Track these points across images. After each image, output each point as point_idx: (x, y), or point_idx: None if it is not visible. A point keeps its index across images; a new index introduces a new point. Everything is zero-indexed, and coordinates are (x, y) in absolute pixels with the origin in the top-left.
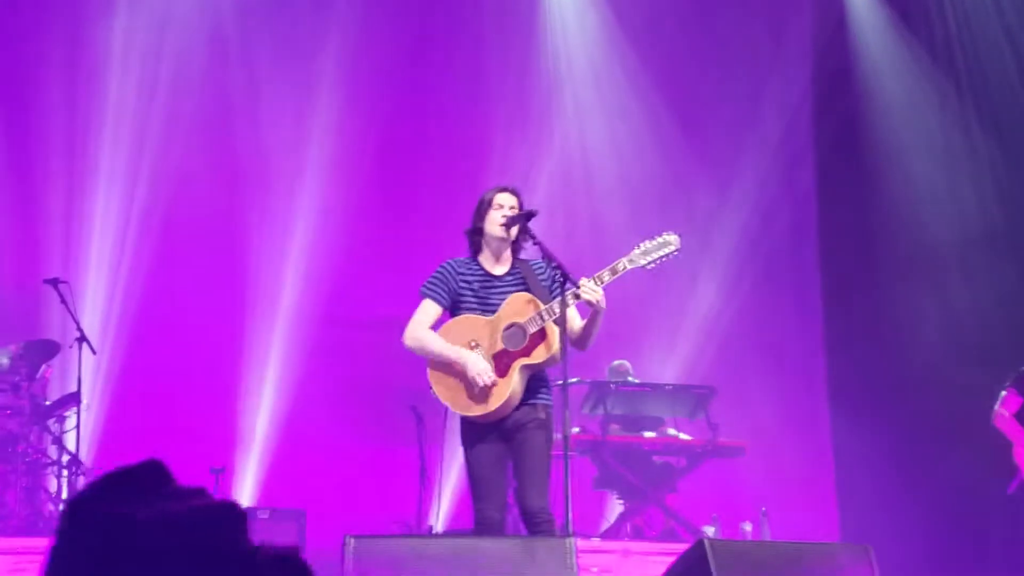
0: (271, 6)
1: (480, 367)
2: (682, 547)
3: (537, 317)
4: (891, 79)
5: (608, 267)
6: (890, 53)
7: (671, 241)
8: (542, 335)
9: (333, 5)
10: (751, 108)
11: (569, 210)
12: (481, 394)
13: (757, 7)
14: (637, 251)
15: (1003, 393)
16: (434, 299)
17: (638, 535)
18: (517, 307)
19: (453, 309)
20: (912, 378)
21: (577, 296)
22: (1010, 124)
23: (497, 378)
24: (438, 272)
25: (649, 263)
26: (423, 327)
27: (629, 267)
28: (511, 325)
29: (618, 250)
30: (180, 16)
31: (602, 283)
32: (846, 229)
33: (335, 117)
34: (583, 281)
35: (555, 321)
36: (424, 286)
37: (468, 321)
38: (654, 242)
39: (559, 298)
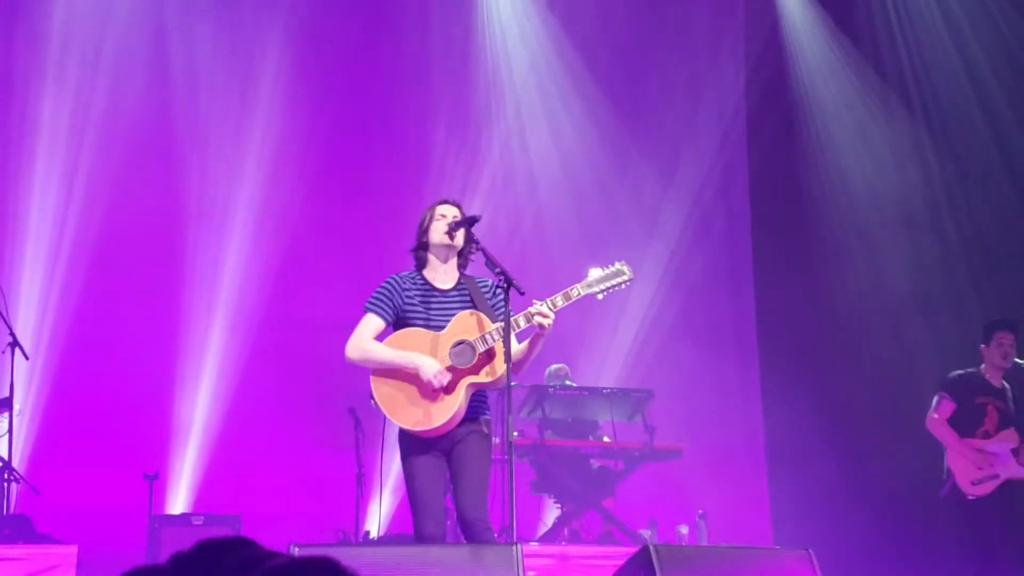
0: (214, 3)
1: (435, 369)
2: (620, 551)
3: (488, 336)
4: (823, 78)
5: (561, 292)
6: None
7: (624, 271)
8: (490, 355)
9: (277, 5)
10: (690, 109)
11: (512, 214)
12: (425, 409)
13: (695, 10)
14: (590, 278)
15: (936, 398)
16: (378, 314)
17: (576, 539)
18: (466, 325)
19: (396, 325)
20: (845, 381)
21: (529, 318)
22: (941, 114)
23: (443, 394)
24: (382, 287)
25: (600, 291)
26: (367, 339)
27: (583, 293)
28: (459, 342)
29: (560, 256)
30: (119, 13)
31: (555, 308)
32: (778, 231)
33: (277, 119)
34: (536, 304)
35: (503, 339)
36: (369, 301)
37: (414, 334)
38: (607, 270)
39: (511, 319)
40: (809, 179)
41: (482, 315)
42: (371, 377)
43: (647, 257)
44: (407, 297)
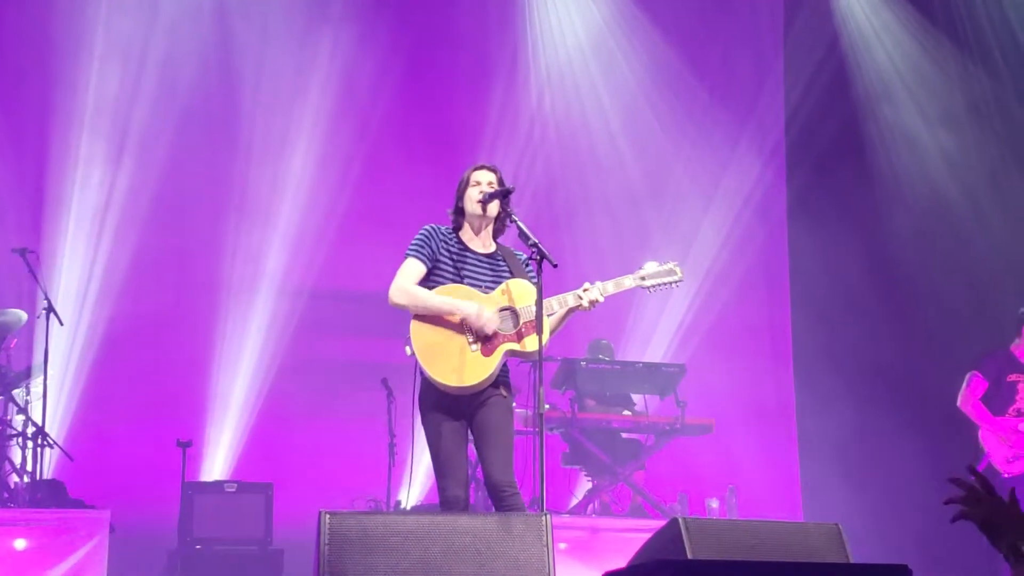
0: None
1: (486, 315)
2: (649, 524)
3: (532, 308)
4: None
5: (614, 280)
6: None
7: (675, 271)
8: (531, 327)
9: None
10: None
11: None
12: (461, 365)
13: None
14: (644, 271)
15: (968, 376)
16: (419, 258)
17: (606, 512)
18: (516, 292)
19: (427, 275)
20: (877, 359)
21: (579, 298)
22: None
23: (482, 355)
24: (422, 233)
25: (651, 286)
26: (411, 282)
27: (633, 285)
28: (505, 308)
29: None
30: None
31: (605, 294)
32: (817, 216)
33: (330, 98)
34: (587, 286)
35: (536, 306)
36: (410, 247)
37: (463, 291)
38: (662, 267)
39: (559, 296)
40: (850, 164)
41: (528, 284)
42: (412, 322)
43: (677, 236)
44: (443, 248)
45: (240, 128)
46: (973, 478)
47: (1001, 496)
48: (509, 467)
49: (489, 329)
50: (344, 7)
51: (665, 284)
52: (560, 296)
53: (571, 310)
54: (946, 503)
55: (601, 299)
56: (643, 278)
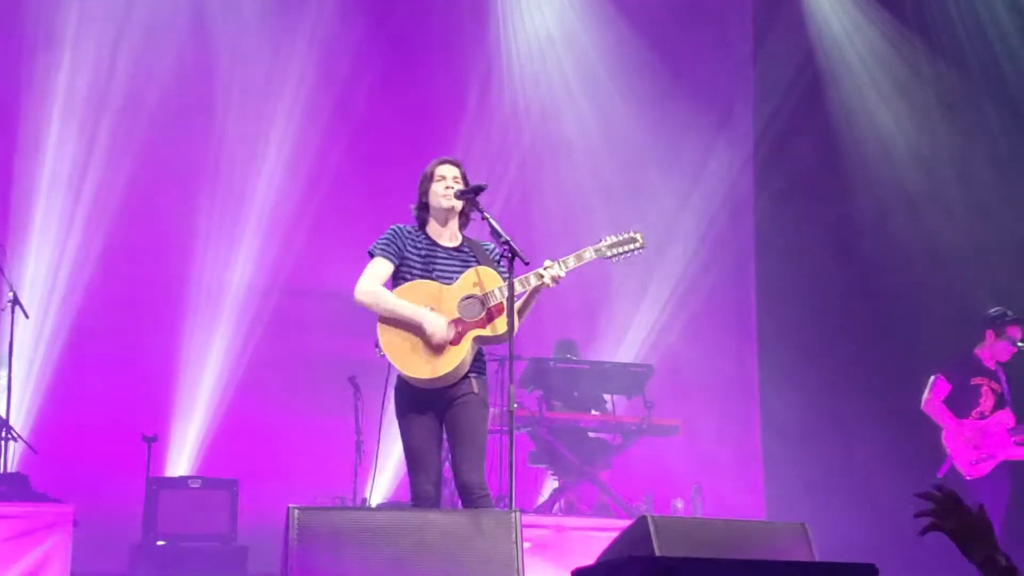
0: None
1: (437, 324)
2: (615, 524)
3: (497, 291)
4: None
5: (574, 254)
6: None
7: (636, 239)
8: (499, 310)
9: None
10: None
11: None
12: (431, 358)
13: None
14: (603, 243)
15: (932, 379)
16: (385, 257)
17: (571, 511)
18: (475, 280)
19: (395, 273)
20: (840, 358)
21: (540, 276)
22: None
23: (450, 345)
24: (388, 233)
25: (613, 256)
26: (376, 282)
27: (594, 256)
28: (468, 296)
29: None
30: None
31: (566, 268)
32: (780, 213)
33: (303, 101)
34: (548, 264)
35: (507, 299)
36: (375, 245)
37: (423, 286)
38: (620, 236)
39: (521, 277)
40: (814, 157)
41: (492, 271)
42: (378, 324)
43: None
44: (410, 246)
45: (212, 124)
46: (940, 493)
47: (969, 507)
48: (481, 468)
49: (438, 339)
50: (319, 5)
51: (627, 252)
52: (522, 277)
53: (535, 290)
54: (916, 516)
55: (563, 274)
56: (603, 248)
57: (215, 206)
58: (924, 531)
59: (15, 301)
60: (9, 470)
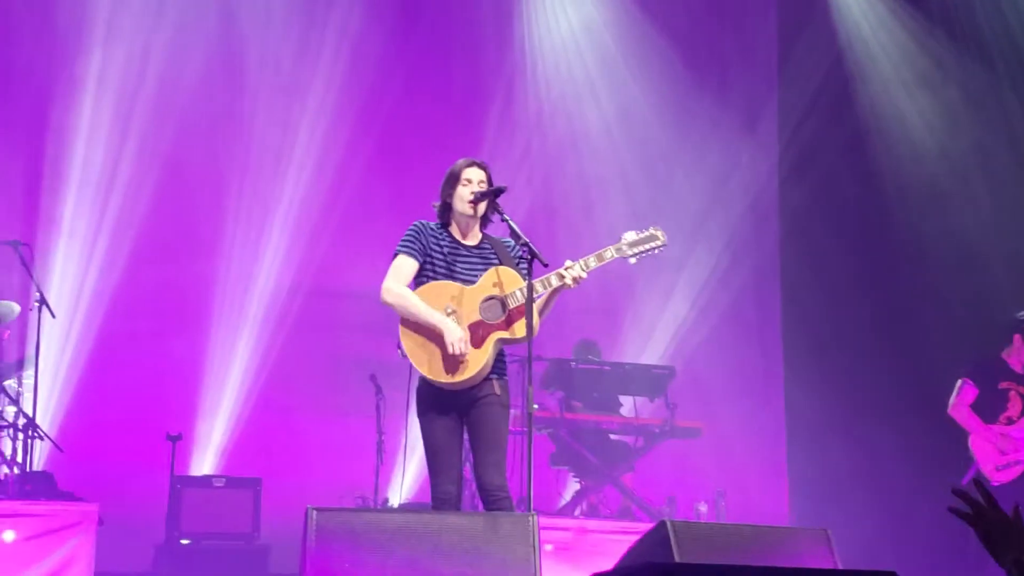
0: None
1: (457, 335)
2: (637, 526)
3: (519, 292)
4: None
5: (595, 254)
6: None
7: (657, 236)
8: (520, 311)
9: None
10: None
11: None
12: (454, 362)
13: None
14: (624, 241)
15: (958, 383)
16: (410, 254)
17: (594, 513)
18: (496, 280)
19: (418, 271)
20: (866, 363)
21: (562, 277)
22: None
23: (472, 347)
24: (411, 230)
25: (633, 255)
26: (402, 283)
27: (615, 256)
28: (490, 297)
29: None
30: None
31: (587, 269)
32: (806, 217)
33: (325, 94)
34: (569, 264)
35: (526, 300)
36: (400, 243)
37: (445, 287)
38: (641, 235)
39: (542, 278)
40: (840, 159)
41: (513, 272)
42: (400, 327)
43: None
44: (433, 244)
45: (241, 125)
46: (977, 492)
47: (1004, 510)
48: (501, 470)
49: (457, 350)
50: (348, 6)
51: (648, 250)
52: (543, 278)
53: (556, 290)
54: (950, 511)
55: (584, 275)
56: (624, 247)
57: (242, 207)
58: (957, 514)
59: (42, 301)
60: (35, 469)
